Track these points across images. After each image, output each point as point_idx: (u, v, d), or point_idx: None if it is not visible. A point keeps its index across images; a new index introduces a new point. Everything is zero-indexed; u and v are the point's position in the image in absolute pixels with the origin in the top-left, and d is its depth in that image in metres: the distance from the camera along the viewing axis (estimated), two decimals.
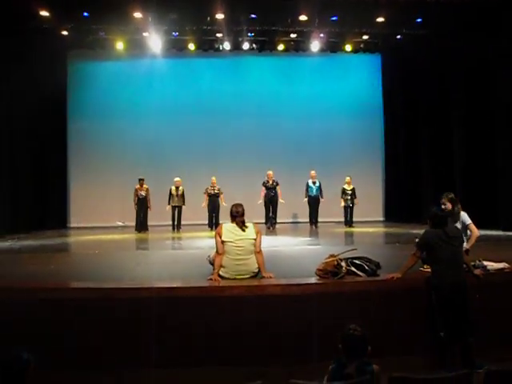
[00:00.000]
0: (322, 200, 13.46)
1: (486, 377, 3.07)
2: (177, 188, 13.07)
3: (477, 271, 5.37)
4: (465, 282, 5.04)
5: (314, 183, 13.42)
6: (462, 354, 4.89)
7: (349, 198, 13.48)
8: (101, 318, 4.90)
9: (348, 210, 13.63)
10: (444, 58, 13.26)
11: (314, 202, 13.46)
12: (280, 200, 13.01)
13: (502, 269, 5.60)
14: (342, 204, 13.59)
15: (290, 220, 15.08)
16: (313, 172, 13.49)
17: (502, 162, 11.64)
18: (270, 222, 12.92)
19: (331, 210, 13.84)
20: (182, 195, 13.10)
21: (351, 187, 13.58)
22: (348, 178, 13.61)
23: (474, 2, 10.77)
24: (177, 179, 13.12)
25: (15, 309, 4.87)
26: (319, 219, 13.59)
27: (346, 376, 3.14)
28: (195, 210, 13.15)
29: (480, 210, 11.33)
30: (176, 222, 13.13)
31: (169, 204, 13.08)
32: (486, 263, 5.61)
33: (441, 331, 4.92)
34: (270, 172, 13.07)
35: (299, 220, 15.04)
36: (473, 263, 5.44)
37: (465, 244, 5.73)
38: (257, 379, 3.04)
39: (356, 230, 12.90)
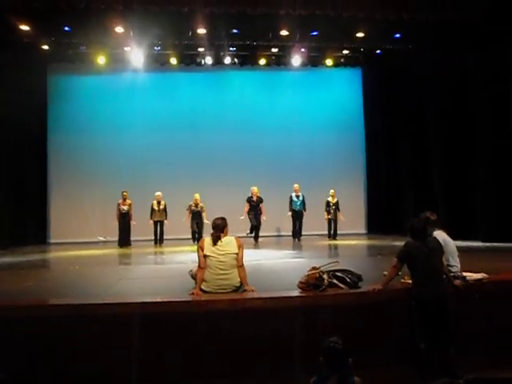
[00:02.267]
0: (305, 213, 13.47)
1: None
2: (158, 202, 13.07)
3: (456, 282, 5.43)
4: (445, 293, 5.09)
5: (297, 197, 13.41)
6: (443, 365, 4.92)
7: (332, 211, 13.53)
8: (79, 335, 4.83)
9: (332, 223, 13.69)
10: (423, 72, 13.51)
11: (297, 216, 13.45)
12: (263, 217, 13.03)
13: (480, 279, 5.67)
14: (326, 217, 13.62)
15: (274, 233, 15.06)
16: (296, 185, 13.49)
17: (480, 175, 11.83)
18: (254, 236, 12.99)
19: (314, 223, 13.87)
20: (164, 209, 13.10)
21: (335, 200, 13.63)
22: (332, 191, 13.66)
23: (450, 19, 10.99)
24: (157, 194, 13.12)
25: None
26: (302, 232, 13.61)
27: None
28: (178, 225, 13.06)
29: (459, 221, 11.55)
30: (158, 237, 13.14)
31: (151, 219, 13.07)
32: (465, 274, 5.67)
33: (421, 342, 4.96)
34: (255, 188, 13.05)
35: (282, 233, 15.02)
36: (452, 274, 5.50)
37: None
38: None
39: (339, 242, 12.95)
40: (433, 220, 5.76)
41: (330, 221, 13.66)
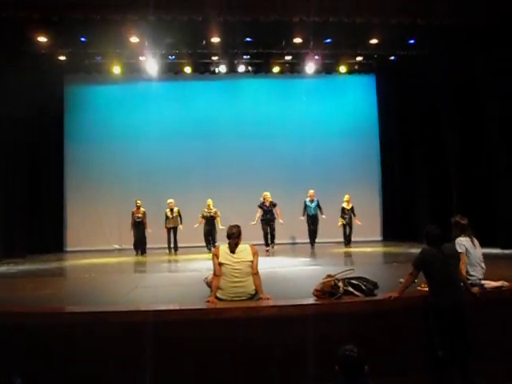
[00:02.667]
0: (323, 217, 13.28)
1: None
2: (171, 210, 13.09)
3: (474, 289, 5.36)
4: (463, 300, 5.03)
5: (311, 201, 13.31)
6: (461, 373, 4.85)
7: (347, 216, 13.46)
8: (95, 343, 4.85)
9: (346, 229, 13.61)
10: (437, 78, 13.43)
11: (312, 222, 13.37)
12: (280, 221, 12.79)
13: (499, 287, 5.59)
14: (340, 223, 13.54)
15: (288, 241, 14.99)
16: (311, 191, 13.36)
17: (499, 180, 11.68)
18: (269, 244, 12.71)
19: (329, 230, 13.77)
20: (179, 215, 13.14)
21: (350, 206, 13.54)
22: (347, 197, 13.57)
23: (464, 23, 10.93)
24: (169, 201, 13.15)
25: (10, 334, 4.83)
26: (318, 240, 13.50)
27: None
28: (192, 233, 13.06)
29: (478, 228, 11.25)
30: (172, 244, 13.16)
31: (165, 227, 13.14)
32: (483, 282, 5.60)
33: (439, 351, 4.89)
34: (267, 193, 12.82)
35: (297, 241, 14.95)
36: (470, 282, 5.43)
37: None
38: None
39: (354, 249, 12.82)
40: (463, 224, 5.71)
41: (344, 226, 13.59)
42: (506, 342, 5.29)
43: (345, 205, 13.53)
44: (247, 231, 10.60)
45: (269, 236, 12.70)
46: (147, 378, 4.76)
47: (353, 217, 13.52)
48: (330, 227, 13.65)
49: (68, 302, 6.10)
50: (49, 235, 14.48)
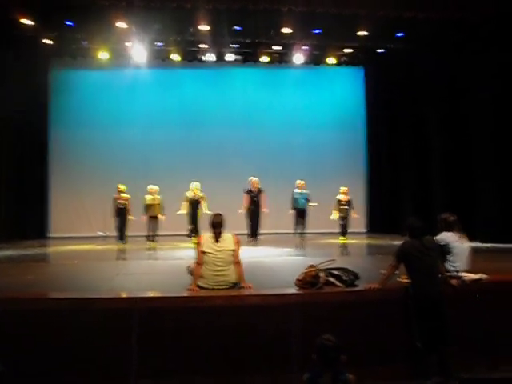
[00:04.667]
0: (311, 206, 12.68)
1: None
2: (152, 197, 12.14)
3: (453, 281, 5.44)
4: (441, 292, 5.11)
5: (300, 194, 12.68)
6: (439, 364, 4.93)
7: (344, 209, 12.81)
8: (78, 328, 4.86)
9: (343, 222, 12.94)
10: (425, 71, 13.49)
11: (300, 214, 12.81)
12: (264, 210, 12.23)
13: (478, 279, 5.67)
14: (335, 216, 12.85)
15: (274, 231, 14.91)
16: (301, 181, 12.79)
17: (481, 176, 11.83)
18: (253, 234, 12.22)
19: (314, 220, 13.72)
20: (160, 204, 12.18)
21: (347, 198, 12.92)
22: (344, 189, 12.96)
23: (452, 17, 10.99)
24: (150, 187, 12.23)
25: None
26: (309, 230, 13.16)
27: None
28: (177, 221, 12.85)
29: (460, 222, 11.51)
30: (152, 233, 12.23)
31: (144, 214, 12.15)
32: (463, 274, 5.68)
33: (417, 341, 4.97)
34: (254, 178, 12.31)
35: (282, 231, 14.85)
36: (448, 274, 5.51)
37: None
38: None
39: (335, 241, 12.80)
40: (451, 221, 5.78)
41: (341, 219, 12.91)
42: (484, 333, 5.38)
43: (341, 197, 12.89)
44: (234, 220, 10.64)
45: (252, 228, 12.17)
46: (131, 363, 4.79)
47: (350, 210, 12.95)
48: (317, 218, 13.57)
49: (50, 288, 6.11)
50: (32, 221, 14.39)
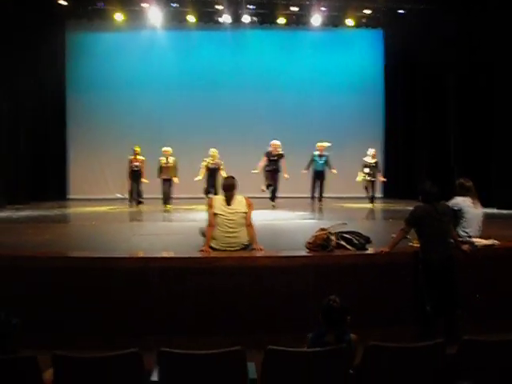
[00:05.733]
0: (334, 171, 12.33)
1: (460, 347, 3.16)
2: (166, 159, 11.91)
3: (464, 247, 5.46)
4: (452, 256, 5.13)
5: (320, 156, 12.23)
6: (446, 327, 5.00)
7: (372, 172, 12.26)
8: (94, 287, 5.01)
9: (369, 186, 12.41)
10: (446, 34, 13.09)
11: (318, 177, 12.45)
12: (284, 175, 11.88)
13: (490, 245, 5.67)
14: (360, 178, 12.34)
15: (290, 195, 14.68)
16: (321, 144, 12.34)
17: (498, 142, 11.63)
18: (271, 197, 11.94)
19: (333, 184, 13.47)
20: (175, 167, 11.94)
21: (374, 160, 12.38)
22: (373, 151, 12.44)
23: None
24: (165, 149, 11.99)
25: (8, 276, 4.97)
26: (324, 194, 12.84)
27: (324, 344, 3.24)
28: (191, 183, 12.74)
29: (475, 187, 11.39)
30: (166, 196, 12.03)
31: (158, 176, 11.96)
32: (474, 239, 5.68)
33: (427, 304, 5.03)
34: (276, 142, 11.86)
35: (299, 195, 14.61)
36: (460, 239, 5.51)
37: None
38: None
39: (353, 205, 12.77)
40: (467, 186, 5.80)
41: (368, 182, 12.36)
42: (493, 298, 5.43)
43: (368, 159, 12.30)
44: (250, 184, 10.61)
45: (271, 189, 11.87)
46: (144, 322, 4.94)
47: (377, 173, 12.42)
48: (334, 182, 13.17)
49: (68, 248, 6.26)
50: (52, 183, 14.60)
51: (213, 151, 11.80)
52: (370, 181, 12.34)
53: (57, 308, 4.94)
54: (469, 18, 12.02)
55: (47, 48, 13.80)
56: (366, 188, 12.50)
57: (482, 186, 11.28)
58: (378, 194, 15.34)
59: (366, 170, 12.25)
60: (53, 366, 2.97)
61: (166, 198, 12.04)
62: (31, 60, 13.01)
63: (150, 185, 12.42)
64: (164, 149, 12.04)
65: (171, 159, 11.95)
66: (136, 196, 12.32)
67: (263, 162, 11.78)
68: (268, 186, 11.88)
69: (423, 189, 5.33)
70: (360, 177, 12.37)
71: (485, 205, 10.67)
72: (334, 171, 12.43)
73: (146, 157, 12.50)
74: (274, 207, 11.75)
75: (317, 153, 12.42)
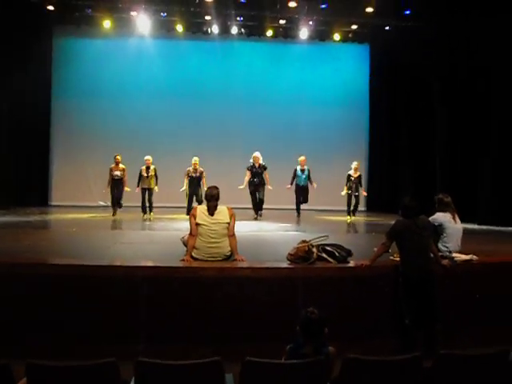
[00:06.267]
0: (314, 186, 12.50)
1: (436, 360, 3.18)
2: (147, 168, 11.81)
3: (444, 261, 5.52)
4: (432, 271, 5.18)
5: (302, 171, 12.42)
6: (425, 341, 5.03)
7: (354, 185, 12.27)
8: (72, 294, 4.96)
9: (352, 199, 12.38)
10: (431, 51, 13.30)
11: (301, 192, 12.61)
12: (268, 187, 11.91)
13: (469, 260, 5.74)
14: (345, 192, 12.30)
15: (275, 207, 14.71)
16: (302, 158, 12.48)
17: (481, 159, 11.78)
18: (257, 210, 11.98)
19: (318, 197, 13.56)
20: (155, 175, 11.89)
21: (357, 174, 12.38)
22: (356, 164, 12.36)
23: None
24: (147, 158, 11.89)
25: None
26: (306, 207, 13.03)
27: (302, 356, 3.24)
28: (175, 193, 12.73)
29: (459, 204, 11.49)
30: (148, 204, 11.98)
31: (138, 186, 11.87)
32: (454, 255, 5.75)
33: (406, 318, 5.06)
34: (257, 154, 11.91)
35: (283, 207, 14.67)
36: (440, 253, 5.58)
37: None
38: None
39: (335, 218, 12.84)
40: (445, 202, 5.91)
41: (350, 196, 12.33)
42: (472, 312, 5.48)
43: (352, 172, 12.31)
44: (235, 196, 10.64)
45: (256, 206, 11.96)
46: (125, 330, 4.90)
47: (359, 187, 12.46)
48: (318, 195, 13.32)
49: (48, 254, 6.17)
50: (34, 189, 14.50)
51: (194, 159, 11.86)
52: (352, 194, 12.37)
53: (34, 316, 4.87)
54: (455, 34, 12.17)
55: (33, 53, 13.73)
56: (349, 202, 12.47)
57: (464, 201, 11.49)
58: (362, 208, 15.47)
59: (349, 183, 12.33)
60: (26, 374, 2.93)
61: (147, 207, 12.00)
62: (17, 64, 12.93)
63: (133, 193, 12.21)
64: (146, 158, 11.96)
65: (151, 167, 11.89)
66: (116, 204, 12.10)
67: (247, 176, 11.85)
68: (255, 208, 11.94)
69: (403, 204, 5.39)
70: (344, 191, 12.40)
71: (467, 221, 10.89)
72: (315, 185, 12.56)
73: (132, 165, 12.33)
74: (257, 219, 11.76)
75: (299, 167, 12.54)
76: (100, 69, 15.04)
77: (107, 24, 13.84)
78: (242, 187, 11.92)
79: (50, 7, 13.01)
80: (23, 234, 8.10)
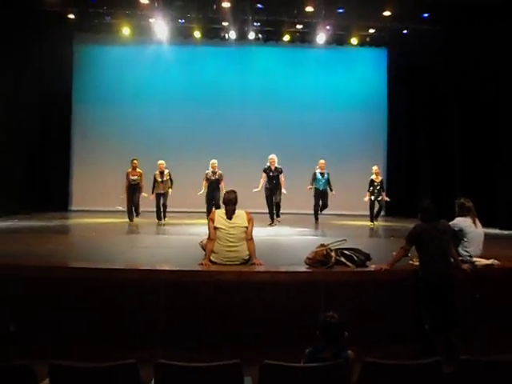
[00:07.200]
0: (333, 193, 12.33)
1: (457, 366, 3.15)
2: (161, 173, 11.71)
3: (464, 266, 5.45)
4: (452, 275, 5.13)
5: (322, 174, 12.19)
6: (444, 346, 4.98)
7: (377, 191, 11.98)
8: (92, 298, 5.02)
9: (375, 204, 12.10)
10: (449, 54, 13.22)
11: (321, 196, 12.35)
12: (283, 190, 11.56)
13: (490, 265, 5.67)
14: (368, 197, 12.06)
15: (292, 211, 14.64)
16: (322, 161, 12.29)
17: (503, 161, 11.62)
18: (275, 215, 11.64)
19: (336, 201, 13.42)
20: (169, 179, 11.79)
21: (380, 179, 12.10)
22: (376, 168, 12.18)
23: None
24: (160, 162, 11.83)
25: (8, 285, 4.98)
26: (324, 211, 12.75)
27: (321, 360, 3.23)
28: (192, 198, 12.73)
29: (478, 208, 11.35)
30: (162, 209, 11.86)
31: (152, 193, 11.80)
32: (475, 259, 5.68)
33: (425, 323, 5.02)
34: (273, 157, 11.62)
35: (301, 211, 14.61)
36: (461, 258, 5.52)
37: None
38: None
39: (354, 223, 12.71)
40: (467, 206, 5.83)
41: (372, 202, 12.07)
42: (493, 317, 5.41)
43: (374, 177, 12.03)
44: (251, 200, 10.62)
45: (274, 207, 11.60)
46: (146, 333, 4.94)
47: (382, 192, 12.07)
48: (337, 199, 12.98)
49: (69, 258, 6.28)
50: (55, 194, 14.67)
51: (212, 162, 11.68)
52: (375, 200, 12.10)
53: (57, 317, 4.94)
54: (474, 38, 12.07)
55: (55, 60, 13.94)
56: (371, 207, 12.22)
57: (485, 205, 11.34)
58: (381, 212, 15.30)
59: (371, 188, 12.07)
60: (49, 375, 2.97)
61: (161, 213, 11.89)
62: (38, 71, 13.17)
63: (149, 199, 12.09)
64: (159, 162, 11.90)
65: (166, 172, 11.81)
66: (133, 210, 11.93)
67: (263, 179, 11.57)
68: (271, 215, 11.66)
69: (423, 208, 5.36)
70: (367, 197, 12.14)
71: (487, 225, 10.72)
72: (334, 193, 12.38)
73: (149, 170, 12.28)
74: (272, 225, 11.44)
75: (318, 170, 12.39)
76: (119, 75, 15.21)
77: (126, 31, 13.98)
78: (257, 190, 11.58)
79: (71, 16, 13.20)
80: (44, 238, 8.22)
